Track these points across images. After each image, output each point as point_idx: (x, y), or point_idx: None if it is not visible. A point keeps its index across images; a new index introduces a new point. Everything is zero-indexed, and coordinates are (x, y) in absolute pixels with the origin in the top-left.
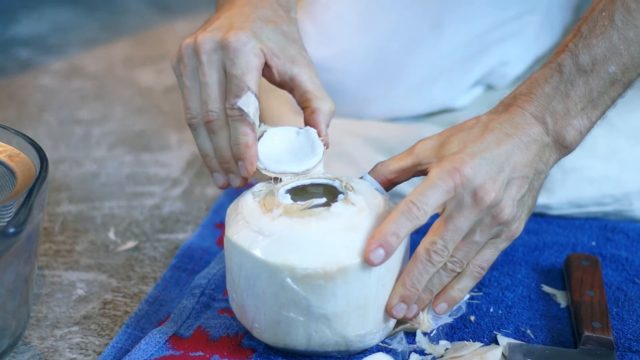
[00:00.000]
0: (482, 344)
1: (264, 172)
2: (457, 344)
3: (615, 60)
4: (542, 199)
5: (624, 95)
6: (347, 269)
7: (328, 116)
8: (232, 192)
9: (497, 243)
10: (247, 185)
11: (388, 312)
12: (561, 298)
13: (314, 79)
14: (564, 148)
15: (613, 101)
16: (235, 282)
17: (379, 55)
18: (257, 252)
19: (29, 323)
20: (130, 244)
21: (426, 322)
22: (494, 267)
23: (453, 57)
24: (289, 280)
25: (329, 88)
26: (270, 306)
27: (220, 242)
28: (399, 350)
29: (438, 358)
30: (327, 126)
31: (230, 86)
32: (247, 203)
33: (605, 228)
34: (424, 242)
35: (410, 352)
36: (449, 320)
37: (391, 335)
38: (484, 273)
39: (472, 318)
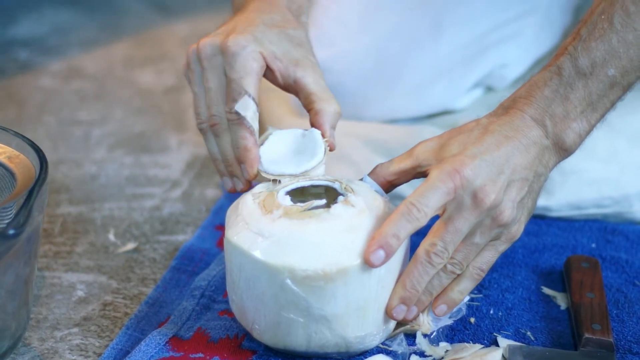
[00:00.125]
0: (482, 345)
1: (263, 174)
2: (457, 345)
3: (615, 63)
4: (542, 201)
5: (624, 98)
6: (347, 270)
7: (332, 117)
8: (232, 194)
9: (497, 245)
10: (250, 188)
11: (388, 314)
12: (561, 300)
13: (319, 81)
14: (563, 151)
15: (612, 104)
16: (235, 284)
17: (378, 56)
18: (257, 254)
19: (29, 324)
20: (130, 245)
21: (426, 323)
22: (494, 269)
23: (453, 59)
24: (288, 281)
25: (329, 89)
26: (270, 307)
27: (220, 244)
28: (399, 352)
29: None
30: (333, 127)
31: (229, 90)
32: (247, 204)
33: (605, 230)
34: (424, 244)
35: (410, 354)
36: (449, 322)
37: (391, 337)
38: (483, 275)
39: (472, 320)
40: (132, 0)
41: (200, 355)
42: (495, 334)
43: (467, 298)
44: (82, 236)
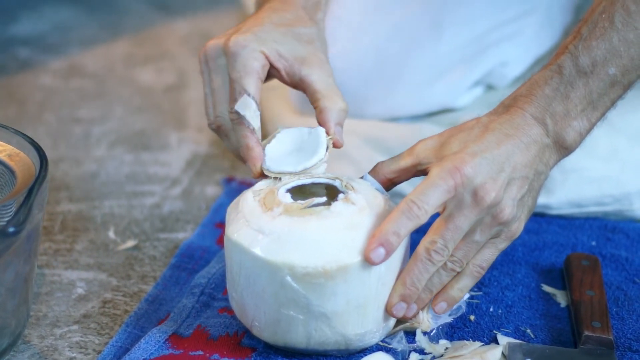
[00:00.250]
0: (482, 343)
1: (266, 172)
2: (457, 343)
3: (615, 62)
4: (542, 199)
5: (624, 97)
6: (347, 267)
7: (337, 115)
8: (232, 192)
9: (497, 243)
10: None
11: (388, 311)
12: (561, 298)
13: (325, 78)
14: (563, 149)
15: (613, 103)
16: (235, 281)
17: (379, 55)
18: (257, 251)
19: (29, 322)
20: (130, 243)
21: (426, 321)
22: (494, 266)
23: (453, 58)
24: (288, 278)
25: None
26: (270, 305)
27: (220, 242)
28: (399, 349)
29: (438, 357)
30: (339, 124)
31: (230, 90)
32: (248, 202)
33: (605, 228)
34: (424, 241)
35: (410, 352)
36: (449, 319)
37: (391, 335)
38: (483, 273)
39: (472, 317)
40: None
41: (200, 352)
42: (495, 331)
43: (467, 295)
44: (82, 234)
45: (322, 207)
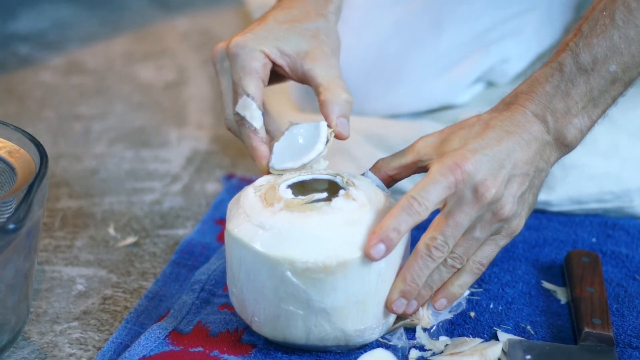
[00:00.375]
0: (482, 340)
1: (270, 169)
2: (457, 339)
3: (616, 59)
4: (542, 196)
5: (625, 94)
6: (347, 263)
7: (339, 107)
8: (232, 188)
9: (497, 240)
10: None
11: (388, 307)
12: (561, 294)
13: (329, 71)
14: (564, 146)
15: (614, 100)
16: (235, 276)
17: (380, 52)
18: (258, 246)
19: (29, 318)
20: (130, 239)
21: (426, 318)
22: (494, 263)
23: (454, 55)
24: (289, 273)
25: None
26: (269, 300)
27: (220, 238)
28: (399, 346)
29: (438, 354)
30: (344, 116)
31: (233, 92)
32: (249, 197)
33: (605, 225)
34: (425, 238)
35: (410, 348)
36: (449, 316)
37: (391, 331)
38: (483, 269)
39: (472, 314)
40: None
41: (200, 349)
42: (495, 328)
43: (467, 292)
44: (82, 230)
45: (322, 203)
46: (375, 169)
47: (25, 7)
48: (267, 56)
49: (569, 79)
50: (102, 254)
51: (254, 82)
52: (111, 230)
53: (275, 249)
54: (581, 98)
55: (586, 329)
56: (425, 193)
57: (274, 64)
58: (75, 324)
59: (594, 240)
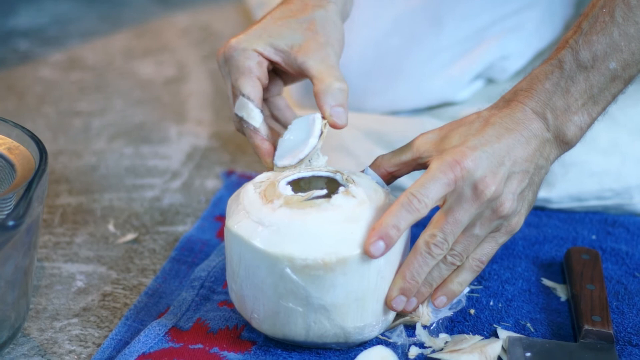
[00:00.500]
0: (482, 337)
1: (275, 167)
2: (457, 337)
3: (616, 56)
4: (542, 193)
5: (625, 92)
6: (347, 260)
7: (332, 96)
8: (232, 185)
9: (496, 237)
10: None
11: (387, 305)
12: (561, 292)
13: (322, 62)
14: (564, 144)
15: (614, 97)
16: (235, 273)
17: (379, 49)
18: (257, 242)
19: (29, 315)
20: (130, 236)
21: (426, 315)
22: (494, 260)
23: (453, 52)
24: (288, 270)
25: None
26: (269, 296)
27: (219, 235)
28: (399, 343)
29: (438, 351)
30: (339, 105)
31: (232, 94)
32: (248, 194)
33: (605, 222)
34: (424, 235)
35: (409, 345)
36: (449, 313)
37: (391, 329)
38: (483, 267)
39: (472, 311)
40: None
41: (200, 346)
42: (495, 325)
43: (467, 289)
44: (81, 227)
45: (322, 200)
46: (374, 165)
47: (25, 2)
48: (261, 54)
49: (569, 77)
50: (101, 250)
51: (249, 82)
52: (111, 227)
53: (275, 245)
54: (581, 95)
55: (586, 327)
56: (424, 190)
57: (271, 62)
58: (75, 320)
59: (593, 237)
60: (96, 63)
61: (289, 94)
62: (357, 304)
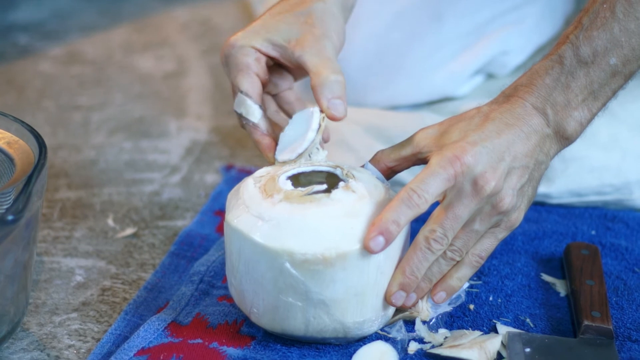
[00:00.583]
0: (482, 332)
1: (276, 163)
2: (457, 332)
3: (616, 52)
4: (542, 188)
5: (625, 87)
6: (346, 255)
7: (328, 89)
8: (231, 179)
9: (496, 232)
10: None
11: (387, 300)
12: (561, 287)
13: (317, 55)
14: (564, 139)
15: (614, 93)
16: (235, 267)
17: (380, 44)
18: (257, 237)
19: (28, 309)
20: (129, 230)
21: (425, 310)
22: (494, 255)
23: (453, 47)
24: (287, 265)
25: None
26: (268, 291)
27: (219, 229)
28: (398, 338)
29: (437, 346)
30: (337, 97)
31: (232, 91)
32: (248, 188)
33: (605, 217)
34: (424, 230)
35: (409, 341)
36: (449, 308)
37: (390, 324)
38: (482, 262)
39: (472, 307)
40: None
41: (199, 341)
42: (494, 320)
43: (466, 285)
44: (81, 221)
45: (322, 195)
46: (374, 160)
47: None
48: (259, 50)
49: (569, 72)
50: (101, 245)
51: (246, 79)
52: (110, 221)
53: (274, 240)
54: (581, 91)
55: (585, 322)
56: (424, 185)
57: (269, 57)
58: (74, 315)
59: (593, 232)
60: (96, 57)
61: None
62: (357, 299)
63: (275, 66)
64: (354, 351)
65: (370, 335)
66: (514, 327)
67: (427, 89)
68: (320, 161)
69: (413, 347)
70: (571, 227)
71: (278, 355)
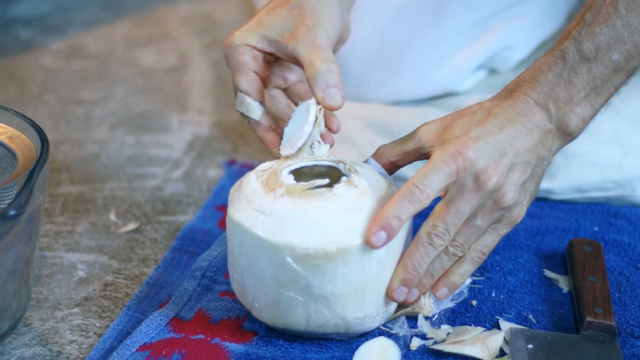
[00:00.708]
0: (484, 328)
1: (281, 158)
2: (459, 328)
3: (619, 47)
4: (544, 184)
5: (628, 83)
6: (348, 250)
7: (321, 80)
8: (233, 174)
9: (498, 228)
10: None
11: (389, 296)
12: (563, 283)
13: (309, 46)
14: (567, 135)
15: (616, 89)
16: (236, 261)
17: (382, 39)
18: (258, 231)
19: (30, 304)
20: (131, 225)
21: (428, 306)
22: (496, 251)
23: (456, 42)
24: (289, 259)
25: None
26: (270, 286)
27: (221, 224)
28: (400, 334)
29: (440, 343)
30: (332, 86)
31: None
32: (250, 182)
33: (607, 213)
34: (426, 226)
35: (411, 337)
36: (451, 304)
37: (392, 320)
38: (484, 258)
39: (474, 302)
40: None
41: (201, 336)
42: (497, 316)
43: (469, 280)
44: (83, 216)
45: (324, 189)
46: (377, 155)
47: None
48: (255, 48)
49: (572, 68)
50: (103, 240)
51: (244, 77)
52: (112, 216)
53: (276, 234)
54: (583, 87)
55: (588, 318)
56: (426, 180)
57: (268, 54)
58: (76, 310)
59: (596, 228)
60: (98, 51)
61: None
62: (358, 295)
63: (281, 60)
64: (356, 347)
65: (373, 331)
66: (517, 323)
67: (430, 84)
68: (323, 156)
69: (415, 343)
70: (574, 223)
71: (280, 351)
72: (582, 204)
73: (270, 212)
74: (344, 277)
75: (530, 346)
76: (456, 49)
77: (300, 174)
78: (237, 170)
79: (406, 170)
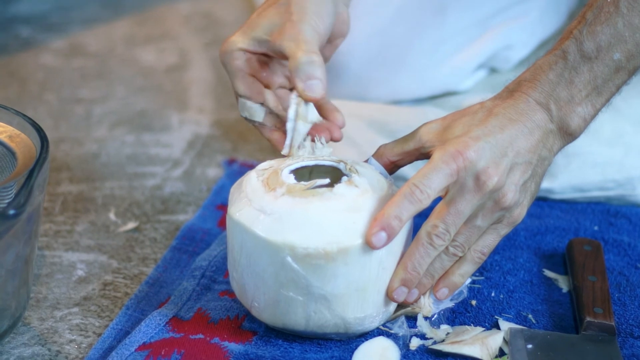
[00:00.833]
0: (484, 328)
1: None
2: (459, 328)
3: (620, 47)
4: (545, 183)
5: (629, 83)
6: (348, 250)
7: (301, 72)
8: (233, 173)
9: (498, 228)
10: None
11: (389, 296)
12: (563, 283)
13: (292, 40)
14: (568, 135)
15: (618, 88)
16: (236, 261)
17: (383, 38)
18: (259, 230)
19: (29, 304)
20: (131, 224)
21: (427, 306)
22: (496, 251)
23: (457, 41)
24: (289, 259)
25: (333, 70)
26: (269, 285)
27: (221, 224)
28: (400, 334)
29: (439, 342)
30: (311, 78)
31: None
32: (251, 182)
33: (608, 213)
34: (426, 226)
35: (411, 337)
36: (451, 304)
37: (392, 320)
38: (484, 258)
39: (474, 302)
40: None
41: (201, 336)
42: (496, 316)
43: (468, 280)
44: (82, 215)
45: (324, 189)
46: (377, 154)
47: None
48: (247, 51)
49: (573, 67)
50: (102, 239)
51: (242, 82)
52: (112, 215)
53: (276, 233)
54: (585, 86)
55: (588, 318)
56: (427, 180)
57: (261, 54)
58: (75, 309)
59: (596, 228)
60: (98, 50)
61: None
62: (358, 295)
63: (280, 59)
64: (356, 347)
65: (372, 331)
66: (516, 323)
67: (430, 84)
68: (324, 156)
69: (415, 343)
70: (574, 222)
71: (279, 350)
72: (582, 203)
73: (270, 212)
74: (344, 277)
75: (529, 346)
76: (456, 48)
77: (301, 174)
78: (236, 170)
79: (407, 170)
